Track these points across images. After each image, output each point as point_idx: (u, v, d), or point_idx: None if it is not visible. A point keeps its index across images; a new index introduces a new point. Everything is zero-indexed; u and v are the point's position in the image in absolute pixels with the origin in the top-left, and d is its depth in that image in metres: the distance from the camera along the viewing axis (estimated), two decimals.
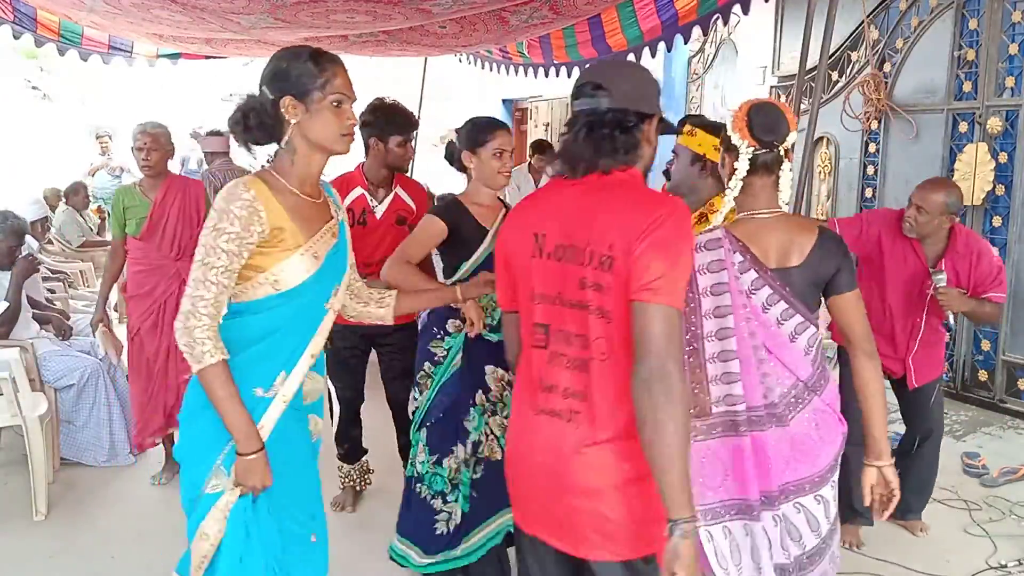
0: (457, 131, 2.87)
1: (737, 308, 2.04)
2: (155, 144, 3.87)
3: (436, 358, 2.86)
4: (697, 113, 7.86)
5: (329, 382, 3.71)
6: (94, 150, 10.31)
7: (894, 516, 3.53)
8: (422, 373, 2.90)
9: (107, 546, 3.36)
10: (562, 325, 1.72)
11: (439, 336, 2.87)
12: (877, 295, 3.40)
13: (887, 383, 3.56)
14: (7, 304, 3.97)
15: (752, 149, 2.12)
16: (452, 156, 2.88)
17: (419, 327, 3.05)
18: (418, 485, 2.88)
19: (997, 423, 4.94)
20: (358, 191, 3.43)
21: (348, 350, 3.53)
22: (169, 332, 3.69)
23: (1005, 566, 3.34)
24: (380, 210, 3.46)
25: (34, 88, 15.35)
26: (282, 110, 1.86)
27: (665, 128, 1.82)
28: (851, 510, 3.51)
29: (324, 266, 1.92)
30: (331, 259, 1.95)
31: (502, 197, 3.00)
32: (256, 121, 1.89)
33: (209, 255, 1.79)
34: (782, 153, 2.16)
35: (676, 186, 2.44)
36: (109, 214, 7.35)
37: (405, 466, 3.32)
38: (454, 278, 2.82)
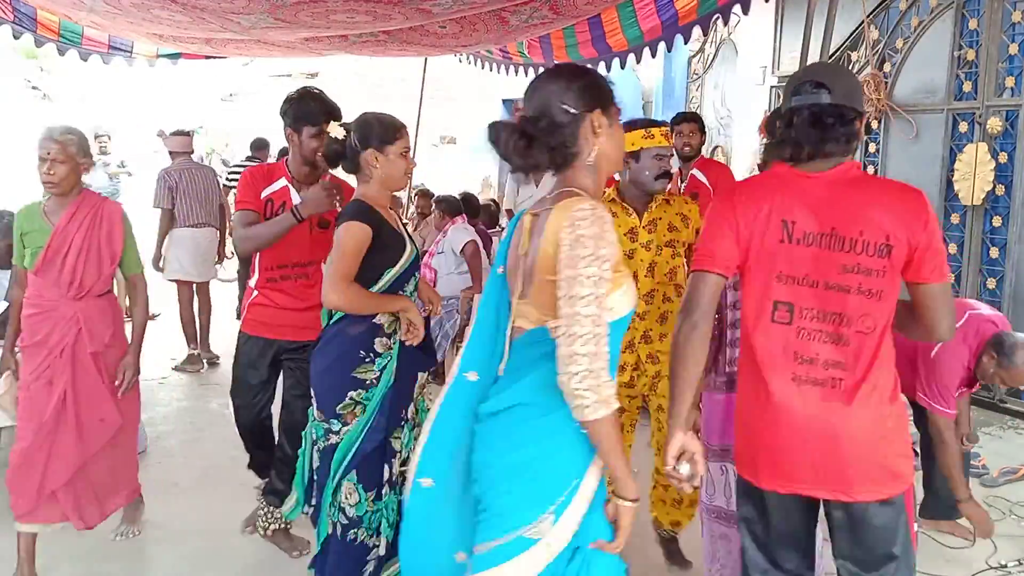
0: (349, 129, 2.65)
1: None
2: (63, 154, 3.05)
3: (367, 383, 2.58)
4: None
5: None
6: (94, 150, 10.30)
7: (937, 519, 3.60)
8: (347, 403, 2.58)
9: (107, 546, 3.36)
10: (813, 304, 1.95)
11: (368, 360, 2.59)
12: None
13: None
14: (7, 304, 3.97)
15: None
16: (340, 155, 2.65)
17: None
18: (353, 531, 2.59)
19: (997, 423, 4.94)
20: (281, 183, 3.18)
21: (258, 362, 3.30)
22: (64, 391, 3.07)
23: (1005, 566, 3.34)
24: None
25: (34, 88, 15.34)
26: (593, 125, 1.76)
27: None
28: None
29: None
30: None
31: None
32: (555, 141, 1.75)
33: (599, 287, 1.62)
34: None
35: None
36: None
37: (264, 490, 3.27)
38: (378, 287, 2.60)
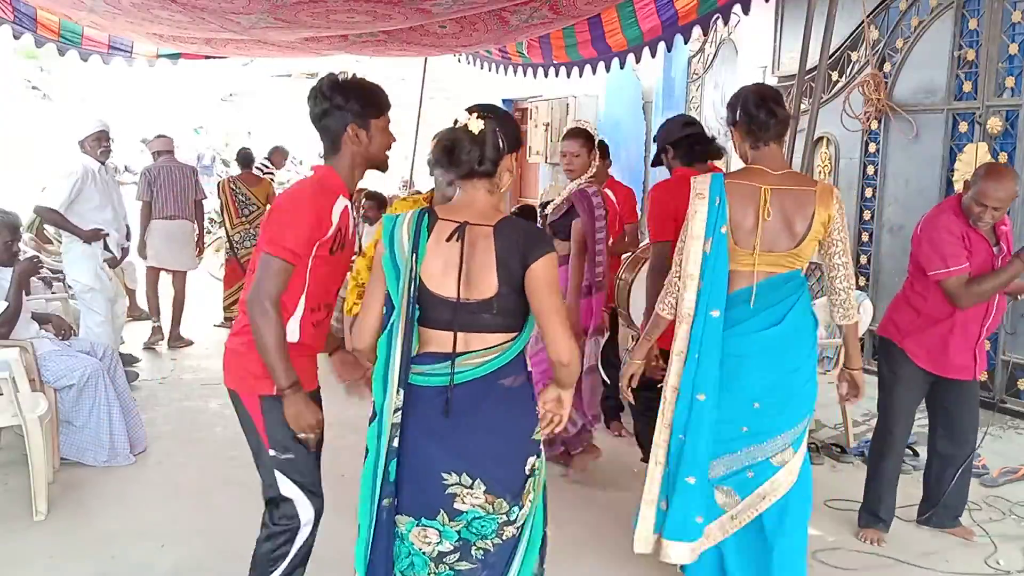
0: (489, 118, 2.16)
1: None
2: None
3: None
4: (696, 113, 7.86)
5: None
6: (98, 151, 10.30)
7: (944, 526, 3.58)
8: (529, 477, 2.11)
9: (107, 546, 3.36)
10: None
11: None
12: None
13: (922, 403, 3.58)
14: (7, 304, 3.97)
15: None
16: (452, 157, 2.09)
17: None
18: None
19: (997, 423, 4.94)
20: (343, 203, 2.40)
21: None
22: None
23: (1005, 566, 3.34)
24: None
25: (34, 88, 15.35)
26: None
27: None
28: (875, 517, 3.53)
29: None
30: None
31: None
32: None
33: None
34: None
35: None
36: None
37: None
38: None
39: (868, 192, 6.20)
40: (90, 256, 5.19)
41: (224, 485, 3.93)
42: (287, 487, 2.40)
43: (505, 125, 2.12)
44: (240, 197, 7.48)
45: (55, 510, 3.66)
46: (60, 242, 7.64)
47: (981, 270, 3.27)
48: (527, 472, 2.07)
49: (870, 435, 3.78)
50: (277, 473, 2.39)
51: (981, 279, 3.23)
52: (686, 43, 5.76)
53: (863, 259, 6.27)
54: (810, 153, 5.03)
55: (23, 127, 14.02)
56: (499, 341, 2.05)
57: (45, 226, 7.78)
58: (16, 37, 5.35)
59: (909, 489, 3.75)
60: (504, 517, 2.04)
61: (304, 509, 2.42)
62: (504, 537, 2.07)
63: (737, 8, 4.51)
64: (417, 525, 2.06)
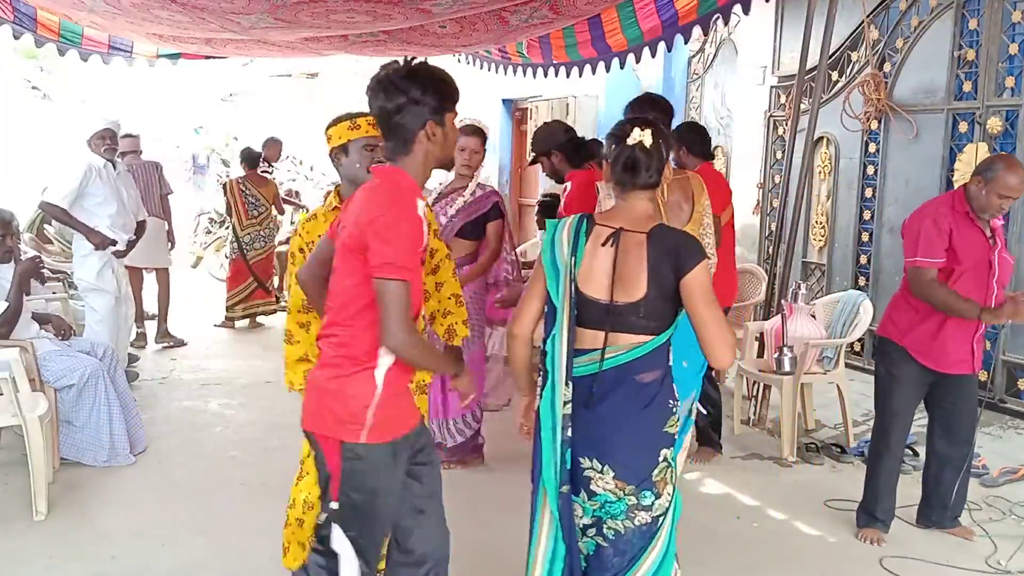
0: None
1: None
2: None
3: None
4: (696, 113, 7.86)
5: None
6: (101, 148, 10.31)
7: (943, 526, 3.59)
8: (661, 465, 2.25)
9: (107, 546, 3.36)
10: None
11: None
12: (957, 285, 3.32)
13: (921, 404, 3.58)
14: (8, 304, 3.97)
15: None
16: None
17: None
18: None
19: (997, 423, 4.94)
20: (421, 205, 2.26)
21: None
22: None
23: (1005, 566, 3.34)
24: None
25: (34, 88, 15.34)
26: None
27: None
28: (873, 517, 3.54)
29: None
30: None
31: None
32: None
33: None
34: None
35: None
36: None
37: None
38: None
39: (868, 192, 6.19)
40: (100, 256, 5.18)
41: (224, 485, 3.93)
42: (340, 542, 2.17)
43: (662, 132, 2.23)
44: (249, 198, 7.49)
45: (55, 510, 3.66)
46: (59, 242, 7.67)
47: (977, 263, 3.28)
48: (660, 461, 2.19)
49: (870, 435, 3.79)
50: (334, 525, 2.18)
51: (946, 290, 3.25)
52: (686, 43, 5.76)
53: (863, 259, 6.27)
54: (810, 153, 5.03)
55: (23, 127, 14.01)
56: (643, 341, 2.17)
57: (45, 226, 7.79)
58: (16, 37, 5.35)
59: (908, 489, 3.76)
60: (634, 500, 2.16)
61: (348, 570, 2.18)
62: (636, 522, 2.18)
63: (737, 8, 4.51)
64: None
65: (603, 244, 2.18)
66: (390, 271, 2.00)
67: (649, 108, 3.43)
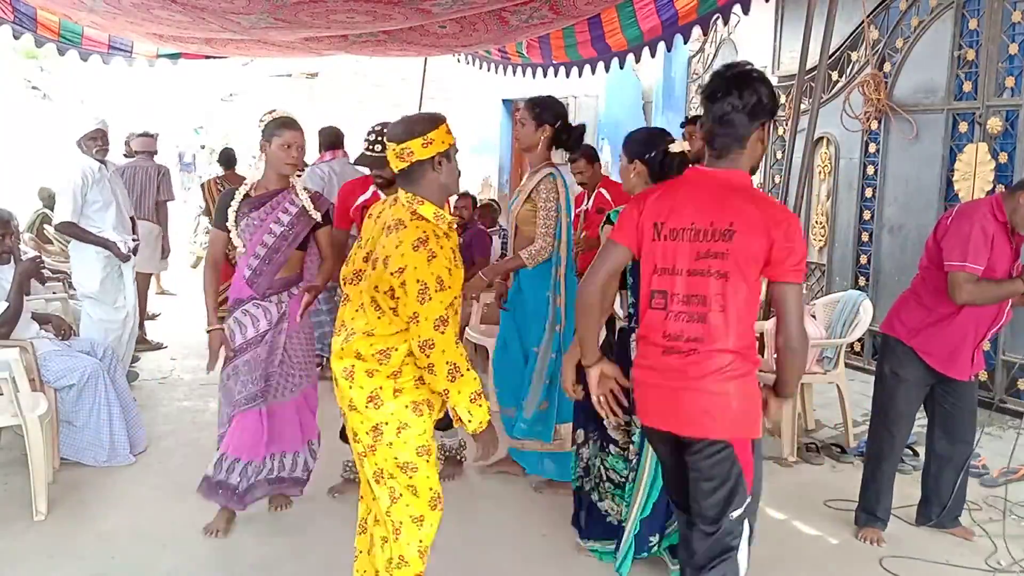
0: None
1: None
2: None
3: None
4: (697, 114, 7.86)
5: None
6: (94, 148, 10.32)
7: (943, 526, 3.58)
8: None
9: (107, 546, 3.36)
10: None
11: None
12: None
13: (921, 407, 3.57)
14: (8, 304, 3.97)
15: None
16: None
17: None
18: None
19: (997, 423, 4.94)
20: None
21: None
22: None
23: (1005, 566, 3.34)
24: None
25: (34, 88, 15.36)
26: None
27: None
28: (873, 516, 3.54)
29: None
30: None
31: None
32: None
33: None
34: None
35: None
36: None
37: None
38: None
39: (868, 192, 6.20)
40: (104, 265, 5.09)
41: None
42: (743, 537, 2.29)
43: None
44: None
45: (55, 510, 3.66)
46: (59, 242, 7.66)
47: (1003, 273, 3.26)
48: None
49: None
50: (746, 522, 2.30)
51: (988, 282, 3.21)
52: (686, 43, 5.76)
53: (863, 259, 6.27)
54: (810, 153, 5.03)
55: (23, 127, 14.03)
56: None
57: (45, 226, 7.79)
58: (16, 37, 5.35)
59: (908, 489, 3.76)
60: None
61: (744, 558, 2.31)
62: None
63: (737, 8, 4.50)
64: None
65: None
66: (798, 276, 2.21)
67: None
